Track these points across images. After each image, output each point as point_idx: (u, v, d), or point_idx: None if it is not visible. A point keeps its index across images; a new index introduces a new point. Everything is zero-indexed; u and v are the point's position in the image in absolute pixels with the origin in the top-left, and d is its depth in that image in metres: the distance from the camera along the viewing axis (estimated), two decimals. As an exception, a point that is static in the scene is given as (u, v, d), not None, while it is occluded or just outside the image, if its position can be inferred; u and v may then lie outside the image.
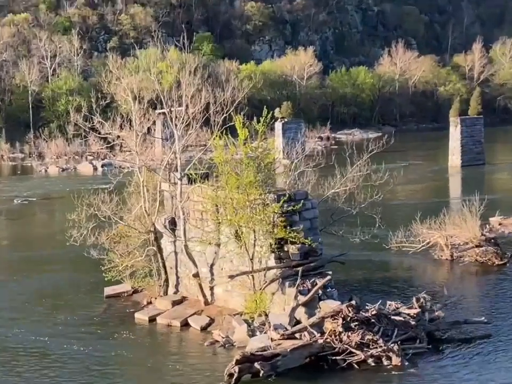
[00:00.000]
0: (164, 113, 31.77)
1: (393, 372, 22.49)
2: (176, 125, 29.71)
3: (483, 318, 26.37)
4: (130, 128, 32.48)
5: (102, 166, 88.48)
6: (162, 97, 30.22)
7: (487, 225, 40.85)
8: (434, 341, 24.91)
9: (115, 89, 33.12)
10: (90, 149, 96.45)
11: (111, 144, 35.83)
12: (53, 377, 23.50)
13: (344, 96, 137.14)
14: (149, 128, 35.04)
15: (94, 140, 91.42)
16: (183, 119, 29.70)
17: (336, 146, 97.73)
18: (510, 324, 26.67)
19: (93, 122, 32.41)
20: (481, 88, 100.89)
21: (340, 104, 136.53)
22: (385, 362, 22.98)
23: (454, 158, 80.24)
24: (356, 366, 22.90)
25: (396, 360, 22.83)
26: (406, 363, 22.95)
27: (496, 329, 26.00)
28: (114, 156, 36.20)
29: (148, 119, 33.20)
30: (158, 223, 30.96)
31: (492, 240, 36.72)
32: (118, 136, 33.61)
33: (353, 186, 32.32)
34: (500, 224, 44.11)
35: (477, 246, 36.29)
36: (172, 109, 29.99)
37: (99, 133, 33.77)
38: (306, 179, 32.52)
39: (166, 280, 31.43)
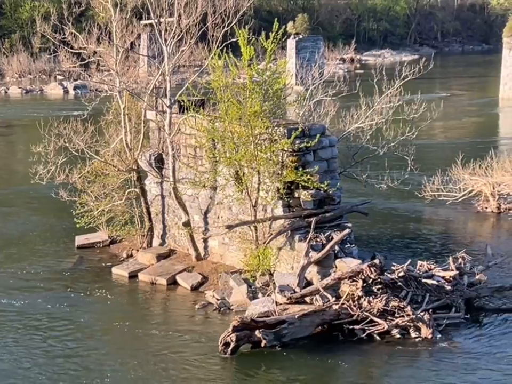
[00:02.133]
0: (151, 24, 31.39)
1: (422, 346, 22.72)
2: (165, 40, 29.39)
3: (533, 283, 26.53)
4: (109, 43, 32.15)
5: (75, 88, 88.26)
6: (149, 5, 29.81)
7: (544, 172, 40.75)
8: (473, 310, 25.12)
9: (91, -7, 32.70)
10: (60, 67, 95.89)
11: (86, 61, 35.52)
12: (12, 338, 23.81)
13: (373, 9, 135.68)
14: (132, 43, 34.76)
15: (65, 56, 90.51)
16: (174, 32, 29.35)
17: (361, 71, 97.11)
18: None
19: (64, 34, 32.09)
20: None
21: (368, 18, 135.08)
22: (413, 334, 23.22)
23: (507, 88, 79.71)
24: (377, 337, 23.14)
25: (426, 332, 23.06)
26: (438, 335, 23.18)
27: (550, 298, 26.19)
28: (89, 76, 35.88)
29: (132, 32, 32.85)
30: (141, 159, 30.97)
31: (549, 190, 36.73)
32: (95, 52, 33.31)
33: (381, 121, 32.13)
34: (559, 170, 44.04)
35: (529, 197, 36.36)
36: (161, 19, 29.62)
37: (71, 48, 33.46)
38: (323, 110, 32.33)
39: (150, 229, 31.65)
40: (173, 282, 28.41)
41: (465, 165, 38.34)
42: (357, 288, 23.71)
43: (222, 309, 25.85)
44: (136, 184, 31.50)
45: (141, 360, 22.46)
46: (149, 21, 33.10)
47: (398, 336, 23.24)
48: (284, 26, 29.02)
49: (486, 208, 37.00)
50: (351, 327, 23.29)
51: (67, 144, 30.65)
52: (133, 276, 29.14)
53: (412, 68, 33.36)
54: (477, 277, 26.22)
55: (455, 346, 22.66)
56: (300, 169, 26.70)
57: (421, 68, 33.64)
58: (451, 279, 25.41)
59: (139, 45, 38.67)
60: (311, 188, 26.70)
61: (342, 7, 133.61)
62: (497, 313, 25.16)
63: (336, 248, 25.89)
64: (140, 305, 27.12)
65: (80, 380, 21.30)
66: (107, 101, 33.72)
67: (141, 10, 33.16)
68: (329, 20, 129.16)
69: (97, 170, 31.77)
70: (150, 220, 31.62)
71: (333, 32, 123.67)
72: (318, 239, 26.24)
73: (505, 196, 37.37)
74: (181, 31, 29.35)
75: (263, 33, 27.27)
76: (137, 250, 31.20)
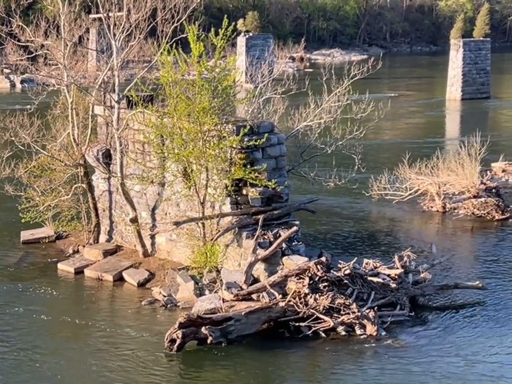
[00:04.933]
0: (99, 18, 31.11)
1: (367, 343, 22.94)
2: (114, 35, 29.18)
3: (477, 282, 26.94)
4: (57, 36, 31.82)
5: (22, 81, 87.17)
6: (98, -1, 29.58)
7: (488, 172, 41.46)
8: (417, 308, 25.46)
9: (39, -15, 32.34)
10: (7, 60, 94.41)
11: (34, 55, 35.10)
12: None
13: (323, 8, 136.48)
14: (80, 37, 34.43)
15: (11, 49, 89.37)
16: (123, 27, 29.16)
17: (311, 70, 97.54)
18: (508, 290, 27.33)
19: (11, 27, 31.69)
20: (490, 4, 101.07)
21: (318, 17, 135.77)
22: (358, 331, 23.42)
23: (453, 89, 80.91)
24: (323, 334, 23.30)
25: (370, 329, 23.29)
26: (383, 333, 23.43)
27: (492, 296, 26.64)
28: (37, 69, 35.43)
29: (80, 26, 32.55)
30: (88, 155, 30.73)
31: (493, 190, 37.35)
32: (42, 46, 32.94)
33: (330, 119, 32.35)
34: (503, 171, 44.80)
35: (474, 197, 36.91)
36: (110, 14, 29.40)
37: (18, 40, 33.03)
38: (272, 108, 32.43)
39: (97, 225, 31.45)
40: (119, 279, 28.26)
41: (411, 165, 38.83)
42: (304, 286, 23.85)
43: (168, 305, 25.79)
44: (83, 179, 31.26)
45: (85, 356, 22.29)
46: (98, 15, 32.81)
47: (344, 333, 23.42)
48: (234, 24, 29.05)
49: (432, 207, 37.49)
50: (297, 324, 23.44)
51: (13, 138, 30.28)
52: (79, 272, 28.91)
53: (361, 67, 33.66)
54: (422, 275, 26.57)
55: (399, 344, 22.92)
56: (248, 166, 26.74)
57: (370, 67, 33.96)
58: (396, 277, 25.69)
59: (87, 39, 38.25)
60: (259, 185, 26.76)
61: (292, 6, 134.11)
62: (441, 311, 25.52)
63: (284, 245, 25.99)
64: (86, 301, 26.88)
65: (20, 374, 21.06)
66: (54, 95, 33.39)
67: (90, 4, 32.88)
68: (280, 18, 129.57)
69: (43, 165, 31.44)
70: (96, 215, 31.42)
71: (283, 31, 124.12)
72: (266, 237, 26.32)
73: (451, 196, 37.92)
74: (130, 26, 29.18)
75: (213, 30, 27.25)
76: (84, 246, 30.98)
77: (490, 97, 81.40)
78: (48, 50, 32.70)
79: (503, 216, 36.08)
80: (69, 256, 30.64)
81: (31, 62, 37.14)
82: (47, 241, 32.13)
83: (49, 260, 30.29)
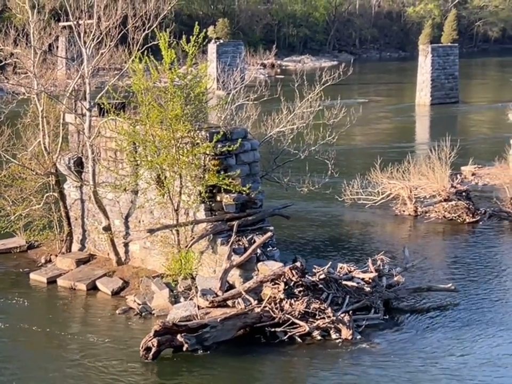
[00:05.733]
0: (69, 26, 30.95)
1: (342, 347, 22.99)
2: (84, 42, 29.06)
3: (450, 284, 27.16)
4: (27, 44, 31.61)
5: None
6: (67, 6, 29.44)
7: (458, 176, 41.82)
8: (392, 311, 25.58)
9: (8, -6, 32.12)
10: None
11: (3, 63, 34.86)
12: None
13: (293, 15, 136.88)
14: (50, 45, 34.23)
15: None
16: (93, 35, 29.06)
17: (282, 76, 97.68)
18: (480, 292, 27.57)
19: (-21, 35, 31.45)
20: (457, 10, 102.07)
21: (288, 24, 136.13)
22: (334, 336, 23.48)
23: (422, 94, 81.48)
24: (298, 339, 23.32)
25: (346, 333, 23.35)
26: (358, 336, 23.50)
27: (465, 298, 26.85)
28: (6, 78, 35.16)
29: (50, 34, 32.35)
30: (60, 163, 30.53)
31: (463, 194, 37.64)
32: (12, 54, 32.71)
33: (302, 125, 32.44)
34: (473, 174, 45.27)
35: (445, 200, 37.18)
36: (80, 21, 29.27)
37: (-13, 49, 32.80)
38: (245, 114, 32.44)
39: (70, 234, 31.23)
40: (93, 288, 28.06)
41: (383, 169, 39.02)
42: (279, 291, 23.85)
43: (143, 313, 25.65)
44: (54, 188, 31.04)
45: (59, 366, 22.12)
46: (68, 23, 32.66)
47: (319, 337, 23.49)
48: (204, 31, 29.08)
49: (404, 211, 37.70)
50: (273, 329, 23.43)
51: (-17, 148, 30.03)
52: (52, 281, 28.68)
53: (332, 73, 33.81)
54: (395, 278, 26.70)
55: (374, 347, 23.02)
56: (222, 172, 26.72)
57: (341, 73, 34.10)
58: (370, 281, 25.80)
59: (57, 47, 38.09)
60: (233, 191, 26.75)
61: (262, 13, 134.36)
62: (415, 313, 25.65)
63: (258, 251, 25.98)
64: (59, 311, 26.67)
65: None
66: (25, 104, 33.13)
67: (59, 12, 32.70)
68: (250, 25, 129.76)
69: (14, 174, 31.20)
70: (69, 224, 31.20)
71: (253, 38, 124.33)
72: (240, 243, 26.30)
73: (422, 199, 38.17)
74: (101, 34, 29.08)
75: (183, 37, 27.27)
76: (56, 256, 30.73)
77: (459, 102, 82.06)
78: (17, 58, 32.48)
79: (474, 219, 36.37)
80: (41, 265, 30.38)
81: (0, 71, 36.81)
82: (18, 251, 31.83)
83: (21, 270, 30.01)
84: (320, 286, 24.53)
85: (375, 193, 38.37)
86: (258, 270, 25.52)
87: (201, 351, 22.50)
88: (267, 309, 23.61)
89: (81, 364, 22.26)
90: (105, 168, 29.19)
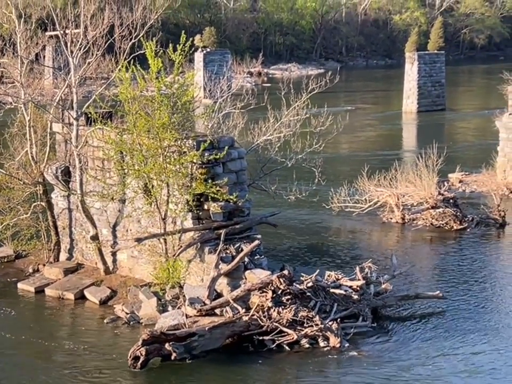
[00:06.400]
0: (56, 36, 31.02)
1: (330, 355, 23.02)
2: (71, 52, 29.09)
3: (437, 292, 27.22)
4: (13, 54, 31.60)
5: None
6: (54, 16, 29.47)
7: (446, 183, 41.98)
8: (380, 319, 25.64)
9: (-5, 3, 32.11)
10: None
11: (-11, 73, 34.92)
12: None
13: (279, 23, 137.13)
14: (37, 55, 34.26)
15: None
16: (80, 44, 29.09)
17: (269, 84, 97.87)
18: (468, 299, 27.66)
19: (-35, 45, 31.44)
20: (443, 18, 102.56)
21: (274, 32, 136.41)
22: (322, 344, 23.51)
23: (409, 101, 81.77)
24: (286, 347, 23.34)
25: (334, 341, 23.39)
26: (346, 344, 23.53)
27: (452, 305, 26.94)
28: (-8, 88, 35.18)
29: (37, 43, 32.37)
30: (47, 172, 30.49)
31: (451, 201, 37.79)
32: (-2, 64, 32.74)
33: (289, 133, 32.52)
34: (460, 181, 45.48)
35: (432, 207, 37.32)
36: (67, 31, 29.30)
37: (-27, 59, 32.83)
38: (232, 123, 32.50)
39: (57, 244, 31.18)
40: (81, 297, 28.01)
41: (370, 177, 39.13)
42: (267, 299, 23.88)
43: (131, 322, 25.63)
44: (42, 197, 30.99)
45: (47, 376, 22.05)
46: (54, 33, 32.71)
47: (307, 345, 23.49)
48: (191, 39, 29.15)
49: (391, 218, 37.80)
50: (261, 338, 23.43)
51: (-30, 158, 30.00)
52: (40, 291, 28.61)
53: (318, 81, 33.90)
54: (383, 286, 26.76)
55: (363, 355, 23.05)
56: (209, 181, 26.75)
57: (327, 81, 34.21)
58: (358, 288, 25.85)
59: (44, 56, 38.10)
60: (221, 200, 26.78)
61: (249, 21, 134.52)
62: (403, 321, 25.72)
63: (246, 259, 26.01)
64: (47, 320, 26.62)
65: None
66: (12, 113, 33.10)
67: (46, 21, 32.73)
68: (236, 33, 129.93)
69: (1, 184, 31.18)
70: (56, 233, 31.14)
71: (240, 46, 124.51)
72: (228, 251, 26.33)
73: (409, 207, 38.30)
74: (88, 43, 29.11)
75: (170, 46, 27.30)
76: (44, 265, 30.67)
77: (445, 109, 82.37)
78: (4, 68, 32.51)
79: (461, 226, 36.50)
80: (29, 275, 30.31)
81: (-13, 81, 36.80)
82: (6, 260, 31.76)
83: (8, 279, 29.93)
84: (308, 294, 24.57)
85: (362, 201, 38.47)
86: (246, 278, 25.55)
87: (189, 360, 22.49)
88: (255, 317, 23.62)
89: (69, 373, 22.20)
90: (92, 177, 29.17)
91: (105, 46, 29.43)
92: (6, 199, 31.32)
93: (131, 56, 28.40)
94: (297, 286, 24.64)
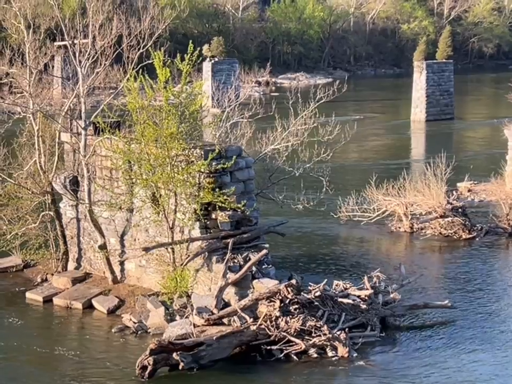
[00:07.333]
0: (65, 46, 31.14)
1: (338, 365, 22.97)
2: (80, 62, 29.19)
3: (446, 301, 27.12)
4: (22, 64, 31.72)
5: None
6: (63, 26, 29.58)
7: (454, 192, 41.85)
8: (388, 328, 25.57)
9: (4, 14, 32.26)
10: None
11: (-2, 83, 35.06)
12: None
13: (287, 33, 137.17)
14: (46, 65, 34.35)
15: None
16: (88, 54, 29.19)
17: (277, 93, 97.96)
18: (476, 308, 27.57)
19: (-26, 55, 31.60)
20: (452, 27, 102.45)
21: (283, 42, 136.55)
22: (330, 353, 23.46)
23: (418, 110, 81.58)
24: (294, 357, 23.29)
25: (342, 351, 23.33)
26: (355, 354, 23.48)
27: (461, 315, 26.84)
28: (2, 98, 35.24)
29: (45, 53, 32.49)
30: (56, 182, 30.55)
31: (459, 210, 37.68)
32: (7, 74, 32.83)
33: (297, 142, 32.54)
34: (469, 190, 45.36)
35: (441, 217, 37.22)
36: (75, 41, 29.41)
37: (-18, 69, 32.95)
38: (240, 132, 32.54)
39: (65, 253, 31.20)
40: (89, 306, 28.02)
41: (379, 186, 39.05)
42: (275, 309, 23.84)
43: (139, 332, 25.63)
44: (50, 207, 31.02)
45: (56, 385, 22.07)
46: (63, 43, 32.83)
47: (315, 355, 23.44)
48: (199, 49, 29.21)
49: (399, 228, 37.72)
50: (269, 347, 23.40)
51: (-21, 167, 30.08)
52: (48, 300, 28.63)
53: (326, 90, 33.93)
54: (392, 295, 26.68)
55: (371, 364, 23.00)
56: (217, 190, 26.76)
57: (335, 90, 34.24)
58: (366, 298, 25.78)
59: (53, 66, 38.29)
60: (228, 209, 26.79)
61: (257, 31, 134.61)
62: (411, 330, 25.64)
63: (254, 269, 25.99)
64: (55, 329, 26.65)
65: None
66: (20, 123, 33.20)
67: (55, 31, 32.85)
68: (245, 43, 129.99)
69: (10, 193, 31.21)
70: (65, 243, 31.17)
71: (248, 55, 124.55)
72: (236, 260, 26.31)
73: (418, 216, 38.21)
74: (96, 53, 29.21)
75: (178, 55, 27.37)
76: (52, 274, 30.68)
77: (454, 118, 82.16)
78: (13, 78, 32.60)
79: (470, 235, 36.41)
80: (37, 284, 30.34)
81: (-4, 91, 36.97)
82: (14, 270, 31.79)
83: (17, 289, 29.96)
84: (316, 303, 24.52)
85: (370, 210, 38.40)
86: (253, 288, 25.52)
87: (197, 370, 22.46)
88: (263, 326, 23.59)
89: (77, 382, 22.20)
90: (100, 186, 29.22)
91: (114, 56, 29.53)
92: (14, 208, 31.37)
93: (139, 66, 28.50)
94: (305, 295, 24.59)
